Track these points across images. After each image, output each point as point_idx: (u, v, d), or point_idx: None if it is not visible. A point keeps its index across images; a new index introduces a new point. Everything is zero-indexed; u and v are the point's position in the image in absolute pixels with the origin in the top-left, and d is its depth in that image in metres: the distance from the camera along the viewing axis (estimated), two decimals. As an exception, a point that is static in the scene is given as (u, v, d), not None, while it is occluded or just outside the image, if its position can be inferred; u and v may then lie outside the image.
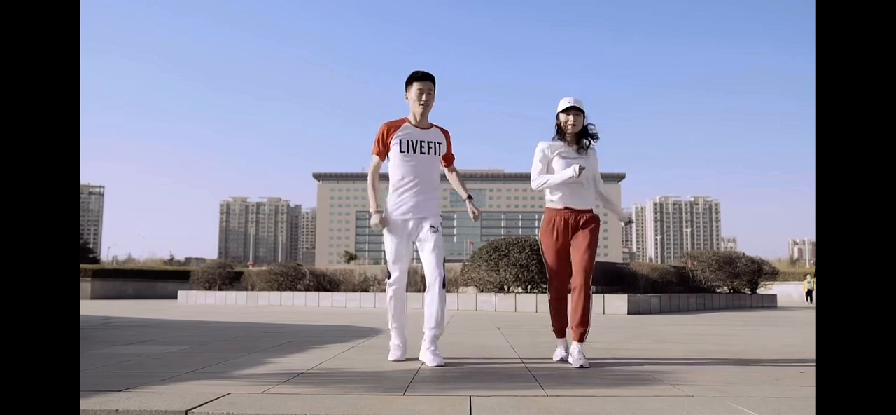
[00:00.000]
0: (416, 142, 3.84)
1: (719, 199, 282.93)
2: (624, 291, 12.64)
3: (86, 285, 24.19)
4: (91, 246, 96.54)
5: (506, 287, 12.51)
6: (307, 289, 15.49)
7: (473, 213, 3.89)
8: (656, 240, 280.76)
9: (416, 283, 12.42)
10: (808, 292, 31.36)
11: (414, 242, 3.88)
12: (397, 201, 3.85)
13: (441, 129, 4.00)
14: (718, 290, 16.12)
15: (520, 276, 12.26)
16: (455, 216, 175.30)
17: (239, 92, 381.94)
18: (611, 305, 11.23)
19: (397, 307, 3.93)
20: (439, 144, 3.93)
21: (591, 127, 4.02)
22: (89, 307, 13.09)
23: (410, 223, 3.83)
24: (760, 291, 17.07)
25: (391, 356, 3.95)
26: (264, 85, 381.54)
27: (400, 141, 3.83)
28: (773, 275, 17.51)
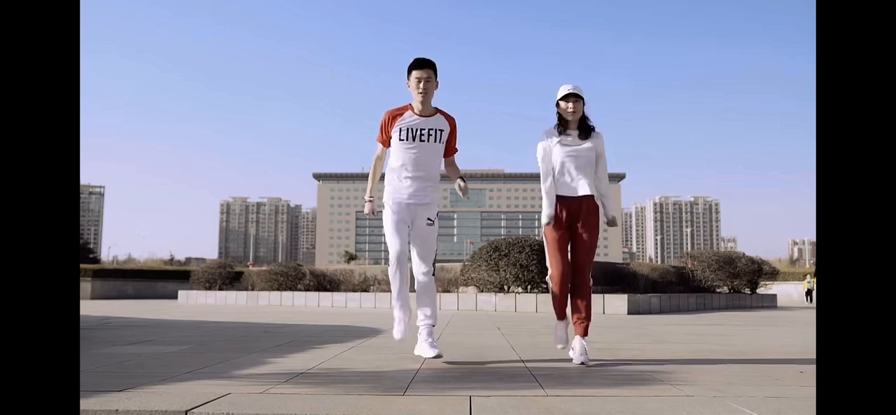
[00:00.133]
0: (416, 130, 3.81)
1: (719, 199, 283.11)
2: (624, 291, 12.64)
3: (86, 285, 24.20)
4: (91, 246, 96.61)
5: (506, 287, 12.51)
6: (307, 289, 15.49)
7: (460, 186, 3.84)
8: (656, 240, 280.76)
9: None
10: (808, 292, 31.36)
11: (409, 228, 3.86)
12: (396, 186, 3.84)
13: (446, 116, 3.91)
14: (718, 290, 16.12)
15: (520, 276, 12.26)
16: (455, 216, 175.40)
17: (239, 92, 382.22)
18: (611, 305, 11.23)
19: (400, 280, 3.81)
20: (441, 131, 3.85)
21: (588, 118, 4.01)
22: (89, 307, 13.09)
23: (408, 204, 3.80)
24: (760, 291, 17.08)
25: (396, 333, 3.87)
26: (264, 85, 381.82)
27: (400, 129, 3.82)
28: (773, 275, 17.53)
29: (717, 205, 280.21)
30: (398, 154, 3.84)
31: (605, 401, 2.56)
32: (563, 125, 3.96)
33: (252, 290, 16.44)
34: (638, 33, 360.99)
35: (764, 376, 3.35)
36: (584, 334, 3.85)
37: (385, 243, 3.91)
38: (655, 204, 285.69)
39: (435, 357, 3.63)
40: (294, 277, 16.01)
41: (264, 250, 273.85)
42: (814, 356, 4.17)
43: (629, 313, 11.04)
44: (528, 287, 12.34)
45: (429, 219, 3.84)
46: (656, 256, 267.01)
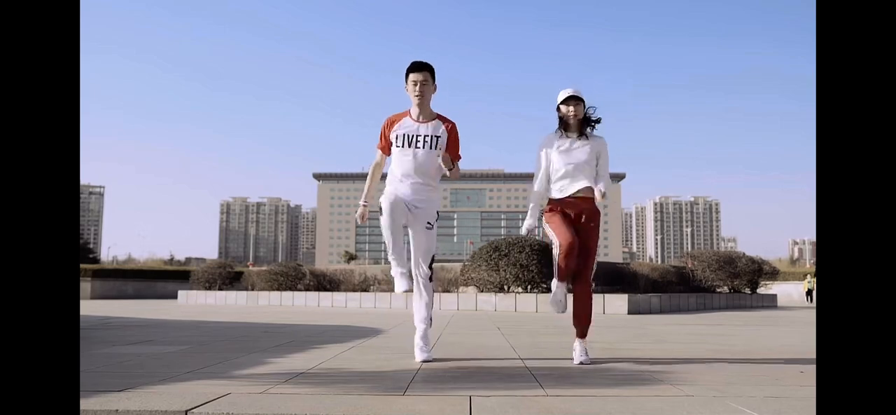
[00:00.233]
0: (412, 136, 3.81)
1: (719, 199, 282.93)
2: (624, 291, 12.64)
3: (86, 285, 24.22)
4: (91, 246, 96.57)
5: (506, 287, 12.51)
6: (307, 289, 15.50)
7: (444, 158, 3.72)
8: (656, 240, 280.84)
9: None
10: (808, 292, 31.36)
11: (407, 227, 3.84)
12: (396, 187, 3.82)
13: (445, 121, 3.87)
14: (718, 290, 16.13)
15: (520, 276, 12.26)
16: (455, 216, 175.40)
17: (239, 92, 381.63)
18: (611, 305, 11.23)
19: (394, 236, 3.72)
20: (437, 137, 3.80)
21: (591, 111, 4.00)
22: (89, 307, 13.09)
23: (406, 202, 3.76)
24: (760, 290, 17.08)
25: (398, 287, 3.79)
26: (264, 85, 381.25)
27: (397, 135, 3.84)
28: (773, 275, 17.53)
29: (717, 205, 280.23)
30: (397, 160, 3.85)
31: (605, 401, 2.56)
32: (564, 128, 3.99)
33: (252, 290, 16.44)
34: (638, 33, 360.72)
35: (764, 376, 3.35)
36: (584, 335, 3.87)
37: (385, 244, 3.91)
38: (655, 204, 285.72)
39: (424, 361, 3.70)
40: (294, 277, 16.02)
41: (264, 250, 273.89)
42: (814, 356, 4.16)
43: (629, 312, 11.04)
44: (528, 287, 12.34)
45: (428, 223, 3.83)
46: (656, 256, 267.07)
